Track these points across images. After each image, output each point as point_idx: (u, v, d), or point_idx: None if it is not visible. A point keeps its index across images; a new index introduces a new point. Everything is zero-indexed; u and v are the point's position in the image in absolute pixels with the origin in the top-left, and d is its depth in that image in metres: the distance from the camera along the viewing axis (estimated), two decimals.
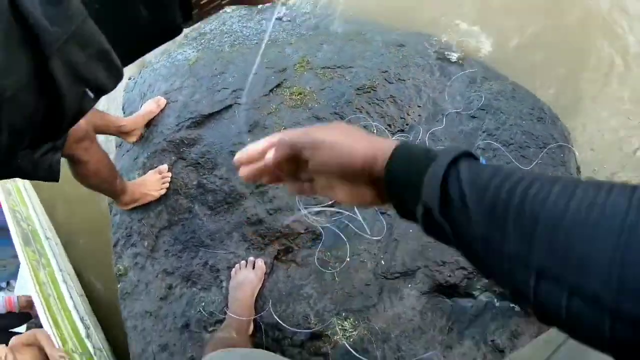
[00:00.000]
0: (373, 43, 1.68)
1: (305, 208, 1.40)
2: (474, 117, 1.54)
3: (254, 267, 1.37)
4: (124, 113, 1.89)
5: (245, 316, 1.26)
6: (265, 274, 1.37)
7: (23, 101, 0.30)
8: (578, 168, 1.51)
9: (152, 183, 1.52)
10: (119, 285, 1.54)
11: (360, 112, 1.51)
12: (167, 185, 1.53)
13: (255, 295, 1.33)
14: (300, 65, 1.63)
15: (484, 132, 1.51)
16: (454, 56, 1.65)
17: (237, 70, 1.68)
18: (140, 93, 1.86)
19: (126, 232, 1.57)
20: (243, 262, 1.39)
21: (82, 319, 1.55)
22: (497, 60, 1.72)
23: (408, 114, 1.52)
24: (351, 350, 1.18)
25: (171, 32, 0.38)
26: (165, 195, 1.55)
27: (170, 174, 1.55)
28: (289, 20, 1.92)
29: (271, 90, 1.59)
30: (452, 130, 1.51)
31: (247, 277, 1.33)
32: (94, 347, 1.50)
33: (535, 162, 1.42)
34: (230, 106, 1.59)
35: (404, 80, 1.57)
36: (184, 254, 1.48)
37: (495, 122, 1.52)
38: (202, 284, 1.43)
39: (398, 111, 1.52)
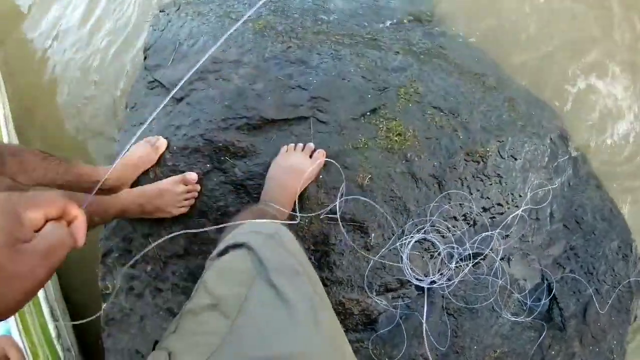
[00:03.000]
0: (494, 93, 1.32)
1: (372, 288, 1.13)
2: (565, 226, 1.32)
3: (311, 157, 1.09)
4: (144, 58, 1.34)
5: (287, 209, 1.03)
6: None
7: None
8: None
9: (171, 195, 1.10)
10: (103, 306, 1.17)
11: (462, 184, 1.21)
12: (191, 202, 1.13)
13: (302, 190, 1.07)
14: (406, 91, 1.23)
15: (571, 249, 1.31)
16: (572, 150, 1.37)
17: (326, 67, 1.23)
18: (173, 40, 1.31)
19: (124, 244, 1.17)
20: (300, 144, 1.11)
21: (51, 311, 1.31)
22: (605, 167, 1.47)
23: (507, 203, 1.25)
24: None
25: None
26: (186, 214, 1.14)
27: (198, 188, 1.13)
28: (395, 23, 1.44)
29: (363, 115, 1.19)
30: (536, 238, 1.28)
31: (303, 164, 1.06)
32: (63, 350, 1.29)
33: (607, 305, 1.28)
34: (305, 119, 1.17)
35: (515, 159, 1.27)
36: None
37: (584, 242, 1.32)
38: None
39: (498, 196, 1.25)
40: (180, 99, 1.24)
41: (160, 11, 1.41)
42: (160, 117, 1.25)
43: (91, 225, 0.93)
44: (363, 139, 1.17)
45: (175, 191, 1.10)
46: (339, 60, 1.24)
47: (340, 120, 1.17)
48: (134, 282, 1.16)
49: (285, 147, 1.12)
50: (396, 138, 1.18)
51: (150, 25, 1.41)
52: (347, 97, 1.19)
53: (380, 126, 1.19)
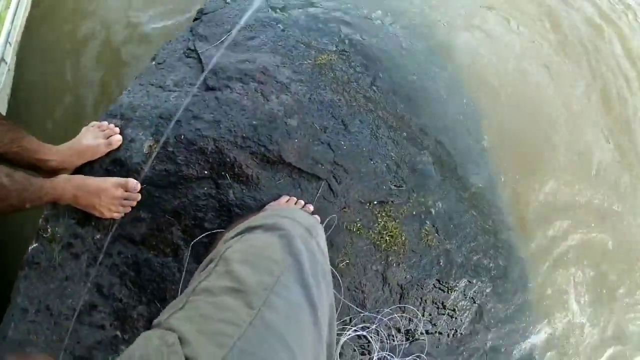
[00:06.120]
0: (486, 237, 1.36)
1: None
2: None
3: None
4: (195, 19, 1.22)
5: None
6: None
7: None
8: None
9: (108, 196, 1.02)
10: (34, 245, 1.07)
11: (420, 303, 1.24)
12: (126, 209, 1.06)
13: None
14: (417, 200, 1.23)
15: None
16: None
17: (361, 139, 1.19)
18: (234, 21, 1.21)
19: None
20: (301, 201, 1.08)
21: None
22: None
23: (448, 336, 1.31)
24: None
25: None
26: (160, 207, 1.07)
27: (138, 197, 1.06)
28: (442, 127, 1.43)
29: (370, 203, 1.18)
30: None
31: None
32: None
33: None
34: (318, 179, 1.13)
35: (475, 302, 1.33)
36: (134, 290, 1.08)
37: None
38: (132, 340, 1.08)
39: (444, 327, 1.29)
40: (212, 89, 1.16)
41: None
42: (181, 94, 1.15)
43: (23, 209, 0.86)
44: (358, 225, 1.16)
45: (114, 194, 1.02)
46: (375, 139, 1.22)
47: (348, 198, 1.15)
48: (76, 241, 1.07)
49: (287, 197, 1.08)
50: (387, 238, 1.19)
51: None
52: (365, 179, 1.18)
53: (380, 220, 1.19)
